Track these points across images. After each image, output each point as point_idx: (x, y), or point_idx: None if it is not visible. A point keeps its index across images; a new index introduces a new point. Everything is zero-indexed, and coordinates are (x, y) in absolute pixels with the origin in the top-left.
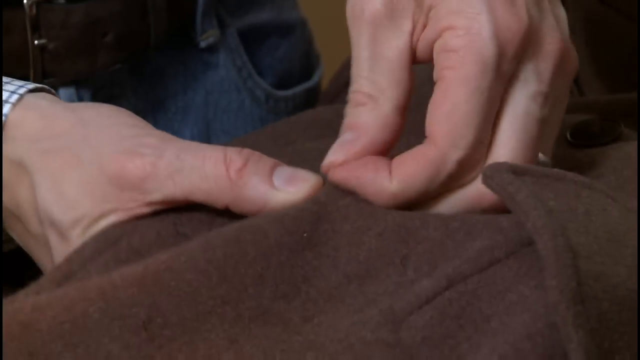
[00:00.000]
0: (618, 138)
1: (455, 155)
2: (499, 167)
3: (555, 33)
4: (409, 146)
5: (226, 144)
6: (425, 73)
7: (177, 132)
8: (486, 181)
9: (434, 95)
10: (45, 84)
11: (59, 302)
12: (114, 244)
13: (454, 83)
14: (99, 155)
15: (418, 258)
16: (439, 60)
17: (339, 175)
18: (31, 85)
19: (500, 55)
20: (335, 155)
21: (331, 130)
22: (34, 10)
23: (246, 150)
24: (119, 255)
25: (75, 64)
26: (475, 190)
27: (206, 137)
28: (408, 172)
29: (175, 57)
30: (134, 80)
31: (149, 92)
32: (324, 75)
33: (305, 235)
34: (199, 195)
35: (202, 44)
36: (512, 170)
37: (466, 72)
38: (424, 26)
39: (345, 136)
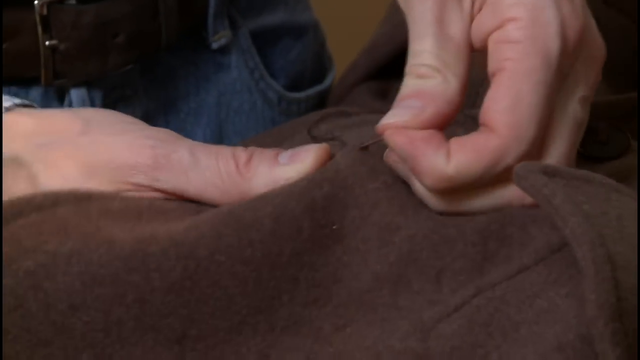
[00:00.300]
0: (626, 151)
1: (518, 148)
2: (531, 167)
3: (600, 39)
4: None
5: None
6: None
7: (189, 134)
8: (519, 182)
9: (493, 86)
10: (57, 85)
11: (95, 302)
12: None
13: (518, 75)
14: (105, 147)
15: (454, 277)
16: (498, 51)
17: (397, 139)
18: (18, 100)
19: (562, 51)
20: (396, 117)
21: None
22: (45, 11)
23: (250, 147)
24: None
25: (86, 65)
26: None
27: (219, 138)
28: (467, 158)
29: (187, 58)
30: (146, 81)
31: (161, 93)
32: (336, 77)
33: (334, 227)
34: (212, 192)
35: (214, 45)
36: (543, 170)
37: (530, 64)
38: (479, 10)
39: (409, 102)
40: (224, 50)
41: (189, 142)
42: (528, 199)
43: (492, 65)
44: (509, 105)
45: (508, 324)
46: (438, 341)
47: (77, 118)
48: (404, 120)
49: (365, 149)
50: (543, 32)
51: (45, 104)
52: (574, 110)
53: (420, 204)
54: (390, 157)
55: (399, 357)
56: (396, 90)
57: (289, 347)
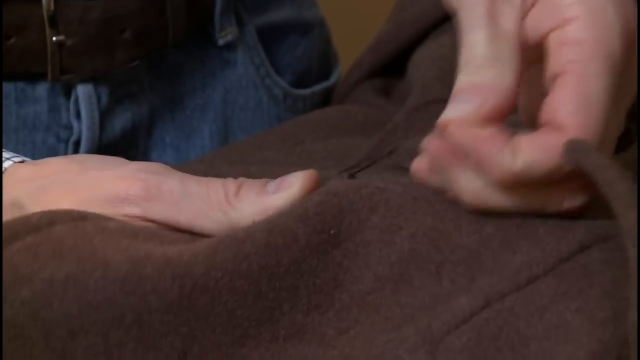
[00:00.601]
0: (631, 142)
1: None
2: (581, 145)
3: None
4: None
5: (235, 143)
6: (432, 73)
7: (195, 130)
8: (577, 158)
9: (559, 88)
10: (63, 81)
11: (93, 326)
12: None
13: (585, 77)
14: (98, 181)
15: (453, 268)
16: (560, 52)
17: (460, 134)
18: (18, 158)
19: (623, 54)
20: (456, 112)
21: (339, 132)
22: (52, 7)
23: (240, 178)
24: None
25: (93, 61)
26: None
27: (224, 134)
28: (536, 156)
29: (193, 55)
30: (152, 77)
31: (167, 90)
32: (342, 74)
33: (332, 232)
34: (202, 222)
35: (221, 42)
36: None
37: (597, 67)
38: (532, 5)
39: (467, 96)
40: (230, 46)
41: (179, 173)
42: (564, 207)
43: (554, 66)
44: (580, 107)
45: (517, 339)
46: (447, 355)
47: (73, 161)
48: (464, 115)
49: (352, 177)
50: (606, 34)
51: (51, 99)
52: (620, 116)
53: (416, 204)
54: (419, 170)
55: None
56: (399, 88)
57: (293, 354)
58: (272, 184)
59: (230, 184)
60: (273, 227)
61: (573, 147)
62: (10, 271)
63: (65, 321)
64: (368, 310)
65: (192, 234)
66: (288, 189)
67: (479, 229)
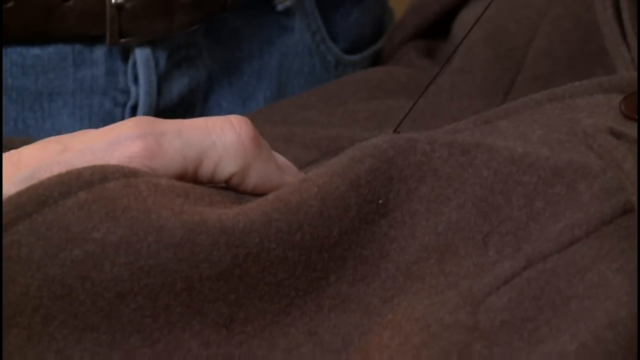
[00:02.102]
0: None
1: None
2: (599, 125)
3: None
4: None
5: (278, 103)
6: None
7: (251, 96)
8: (587, 141)
9: None
10: (121, 44)
11: (143, 290)
12: None
13: None
14: (91, 154)
15: (501, 238)
16: None
17: None
18: None
19: None
20: None
21: (382, 92)
22: None
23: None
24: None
25: (152, 24)
26: None
27: (278, 100)
28: None
29: (251, 20)
30: (210, 41)
31: (225, 55)
32: None
33: (380, 202)
34: (211, 165)
35: (279, 7)
36: (611, 130)
37: None
38: None
39: None
40: (288, 12)
41: (170, 121)
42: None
43: None
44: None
45: (558, 298)
46: (488, 315)
47: (50, 142)
48: None
49: (396, 131)
50: None
51: (109, 63)
52: None
53: (464, 173)
54: None
55: (448, 330)
56: (443, 49)
57: (337, 324)
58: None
59: (244, 124)
60: (326, 195)
61: (584, 130)
62: (63, 229)
63: (115, 284)
64: (413, 279)
65: (238, 194)
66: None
67: (529, 203)
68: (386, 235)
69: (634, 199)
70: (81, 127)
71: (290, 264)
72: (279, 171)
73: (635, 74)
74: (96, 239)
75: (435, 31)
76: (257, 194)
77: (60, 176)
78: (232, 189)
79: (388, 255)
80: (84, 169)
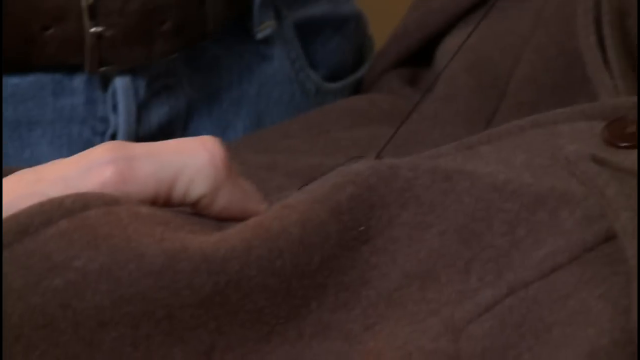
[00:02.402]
0: None
1: None
2: (581, 152)
3: None
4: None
5: (260, 131)
6: (460, 63)
7: (230, 125)
8: (569, 167)
9: None
10: (101, 72)
11: (124, 318)
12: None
13: None
14: (65, 181)
15: (482, 265)
16: None
17: None
18: None
19: None
20: None
21: (365, 120)
22: None
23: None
24: None
25: (131, 52)
26: None
27: (257, 129)
28: None
29: (231, 48)
30: (190, 70)
31: (205, 83)
32: None
33: (361, 229)
34: (183, 186)
35: (259, 36)
36: (593, 157)
37: None
38: None
39: None
40: (268, 40)
41: (138, 143)
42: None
43: None
44: None
45: (540, 325)
46: (469, 342)
47: (27, 172)
48: None
49: (378, 157)
50: None
51: (88, 92)
52: None
53: (447, 199)
54: None
55: (430, 358)
56: (426, 77)
57: (318, 352)
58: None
59: (216, 145)
60: (306, 222)
61: (567, 157)
62: (44, 258)
63: (96, 312)
64: (394, 306)
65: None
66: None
67: (511, 230)
68: (367, 262)
69: (617, 225)
70: (60, 156)
71: (270, 291)
72: (246, 196)
73: (619, 100)
74: (77, 268)
75: (418, 59)
76: (222, 218)
77: (41, 204)
78: (199, 211)
79: (369, 282)
80: (66, 197)
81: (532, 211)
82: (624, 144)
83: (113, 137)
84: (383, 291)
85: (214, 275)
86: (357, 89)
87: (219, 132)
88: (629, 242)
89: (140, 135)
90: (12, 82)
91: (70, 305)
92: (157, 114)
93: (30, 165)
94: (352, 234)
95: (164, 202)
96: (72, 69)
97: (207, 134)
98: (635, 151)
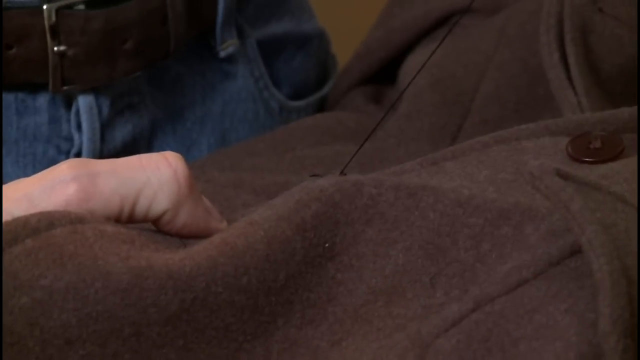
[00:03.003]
0: (620, 154)
1: None
2: (546, 167)
3: None
4: (410, 154)
5: (226, 149)
6: (424, 80)
7: (195, 143)
8: (534, 182)
9: None
10: (65, 92)
11: (91, 336)
12: None
13: None
14: (29, 202)
15: (448, 280)
16: None
17: None
18: None
19: None
20: None
21: (330, 138)
22: (54, 17)
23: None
24: None
25: (94, 71)
26: None
27: (222, 147)
28: None
29: (194, 67)
30: (153, 88)
31: (168, 101)
32: None
33: (326, 246)
34: (146, 202)
35: (222, 54)
36: (557, 172)
37: None
38: None
39: None
40: (231, 59)
41: (101, 160)
42: None
43: None
44: None
45: (507, 340)
46: (436, 357)
47: None
48: None
49: (342, 173)
50: None
51: (52, 111)
52: None
53: (411, 216)
54: None
55: None
56: (390, 95)
57: None
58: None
59: (180, 164)
60: (272, 239)
61: (531, 171)
62: (10, 276)
63: (64, 330)
64: (360, 322)
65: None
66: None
67: (476, 245)
68: (333, 278)
69: (582, 239)
70: (25, 175)
71: (237, 308)
72: (206, 213)
73: (583, 116)
74: (44, 286)
75: (381, 77)
76: (184, 235)
77: (7, 224)
78: (161, 228)
79: (335, 299)
80: (31, 216)
81: (497, 226)
82: (588, 159)
83: (78, 155)
84: (349, 307)
85: (180, 293)
86: (321, 106)
87: (184, 150)
88: (594, 255)
89: (105, 153)
90: None
91: (38, 323)
92: (121, 133)
93: None
94: (318, 250)
95: (127, 217)
96: (36, 88)
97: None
98: (601, 166)
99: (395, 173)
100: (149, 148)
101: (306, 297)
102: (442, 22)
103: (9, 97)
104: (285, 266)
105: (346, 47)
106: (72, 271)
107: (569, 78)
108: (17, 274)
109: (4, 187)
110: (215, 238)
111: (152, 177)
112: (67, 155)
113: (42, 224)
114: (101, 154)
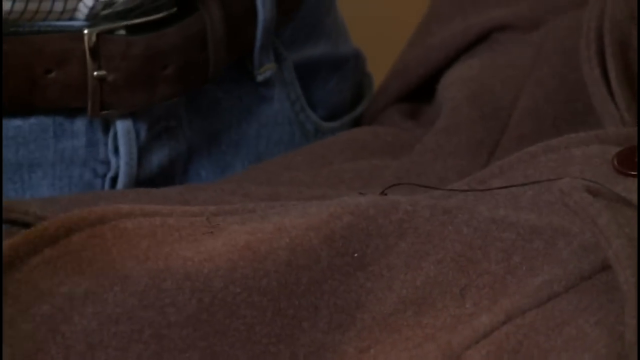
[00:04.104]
0: None
1: None
2: (575, 183)
3: None
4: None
5: (263, 163)
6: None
7: (229, 166)
8: (563, 198)
9: None
10: (103, 116)
11: (113, 340)
12: None
13: None
14: None
15: (478, 291)
16: None
17: None
18: None
19: None
20: None
21: (367, 152)
22: (94, 41)
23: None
24: None
25: (133, 96)
26: None
27: None
28: None
29: (231, 91)
30: (190, 112)
31: (205, 125)
32: None
33: (356, 255)
34: None
35: (259, 78)
36: (587, 188)
37: None
38: None
39: None
40: (268, 82)
41: None
42: None
43: None
44: None
45: (537, 352)
46: None
47: None
48: None
49: (383, 193)
50: None
51: (90, 134)
52: None
53: (444, 230)
54: None
55: None
56: (427, 111)
57: None
58: None
59: None
60: (296, 247)
61: (560, 188)
62: (30, 286)
63: (85, 335)
64: (389, 330)
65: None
66: None
67: (507, 258)
68: (362, 286)
69: (609, 253)
70: None
71: (258, 309)
72: None
73: (631, 129)
74: (63, 293)
75: (417, 94)
76: None
77: (26, 234)
78: None
79: (364, 306)
80: (50, 223)
81: (529, 240)
82: (633, 173)
83: (114, 179)
84: (378, 315)
85: (197, 292)
86: (355, 126)
87: (218, 173)
88: (620, 268)
89: (141, 177)
90: (14, 124)
91: (59, 330)
92: (158, 156)
93: None
94: (345, 259)
95: None
96: (74, 111)
97: (206, 174)
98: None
99: (443, 196)
100: (184, 172)
101: (333, 303)
102: (482, 39)
103: (47, 120)
104: (307, 271)
105: (380, 66)
106: (90, 277)
107: (610, 93)
108: (37, 283)
109: None
110: (241, 240)
111: None
112: (103, 179)
113: (61, 232)
114: (137, 178)
